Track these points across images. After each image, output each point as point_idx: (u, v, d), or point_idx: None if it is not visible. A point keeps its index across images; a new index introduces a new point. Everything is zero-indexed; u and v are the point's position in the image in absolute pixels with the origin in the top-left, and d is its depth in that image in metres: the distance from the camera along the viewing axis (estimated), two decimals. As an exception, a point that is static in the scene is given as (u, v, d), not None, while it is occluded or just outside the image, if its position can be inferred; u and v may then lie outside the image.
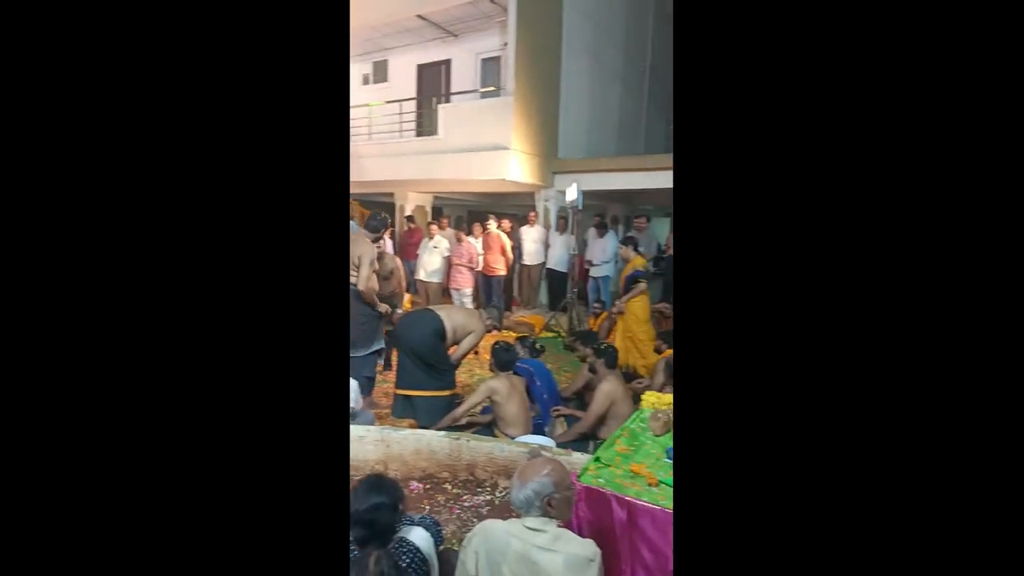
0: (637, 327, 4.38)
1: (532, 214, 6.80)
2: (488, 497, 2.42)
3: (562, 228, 6.68)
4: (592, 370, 3.17)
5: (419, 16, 7.15)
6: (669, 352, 3.75)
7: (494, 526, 1.35)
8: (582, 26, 7.73)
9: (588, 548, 1.28)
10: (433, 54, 7.89)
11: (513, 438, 2.70)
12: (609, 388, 2.85)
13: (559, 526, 1.34)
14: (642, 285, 4.43)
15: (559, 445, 2.63)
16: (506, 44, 6.69)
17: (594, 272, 6.21)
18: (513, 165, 6.39)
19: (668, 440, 1.97)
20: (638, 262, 4.61)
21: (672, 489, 1.61)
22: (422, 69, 8.03)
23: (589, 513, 1.61)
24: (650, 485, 1.65)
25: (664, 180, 6.74)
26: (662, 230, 9.18)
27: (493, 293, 6.27)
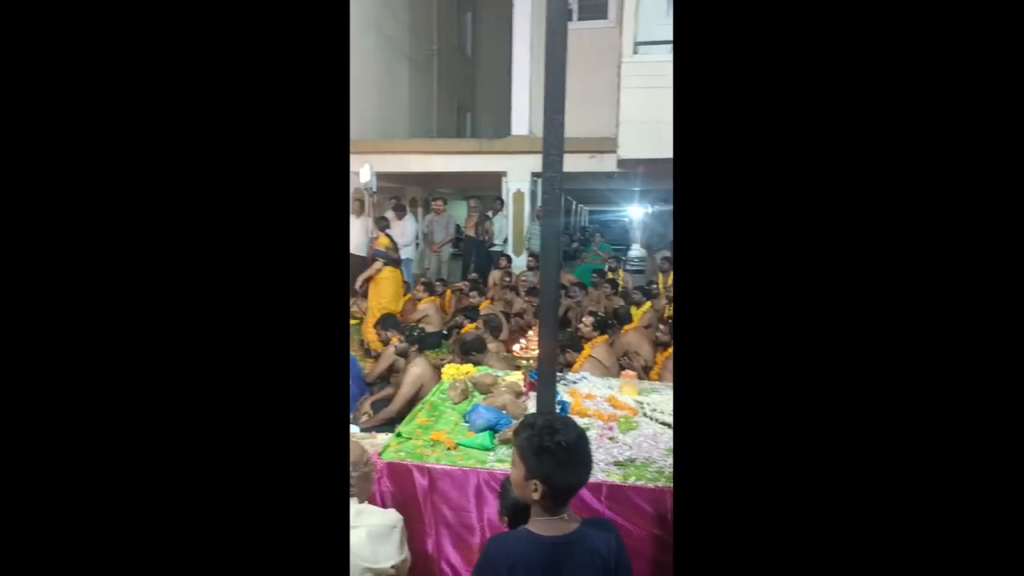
0: (375, 304, 4.66)
1: (325, 197, 6.43)
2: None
3: (358, 211, 6.46)
4: (402, 353, 3.18)
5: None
6: (471, 326, 3.98)
7: (290, 518, 1.31)
8: None
9: (389, 516, 1.33)
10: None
11: (315, 431, 2.59)
12: (418, 371, 2.90)
13: (361, 503, 1.36)
14: (377, 264, 4.68)
15: (363, 430, 2.61)
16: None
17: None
18: (299, 144, 5.93)
19: (466, 406, 2.11)
20: (382, 242, 4.83)
21: (471, 449, 1.75)
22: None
23: (392, 486, 1.66)
24: (448, 449, 1.76)
25: (460, 164, 6.98)
26: (460, 212, 9.53)
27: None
